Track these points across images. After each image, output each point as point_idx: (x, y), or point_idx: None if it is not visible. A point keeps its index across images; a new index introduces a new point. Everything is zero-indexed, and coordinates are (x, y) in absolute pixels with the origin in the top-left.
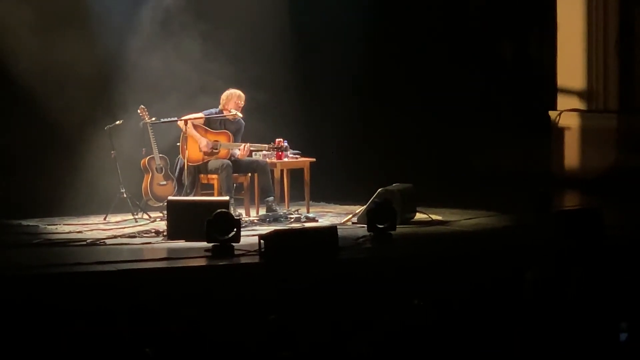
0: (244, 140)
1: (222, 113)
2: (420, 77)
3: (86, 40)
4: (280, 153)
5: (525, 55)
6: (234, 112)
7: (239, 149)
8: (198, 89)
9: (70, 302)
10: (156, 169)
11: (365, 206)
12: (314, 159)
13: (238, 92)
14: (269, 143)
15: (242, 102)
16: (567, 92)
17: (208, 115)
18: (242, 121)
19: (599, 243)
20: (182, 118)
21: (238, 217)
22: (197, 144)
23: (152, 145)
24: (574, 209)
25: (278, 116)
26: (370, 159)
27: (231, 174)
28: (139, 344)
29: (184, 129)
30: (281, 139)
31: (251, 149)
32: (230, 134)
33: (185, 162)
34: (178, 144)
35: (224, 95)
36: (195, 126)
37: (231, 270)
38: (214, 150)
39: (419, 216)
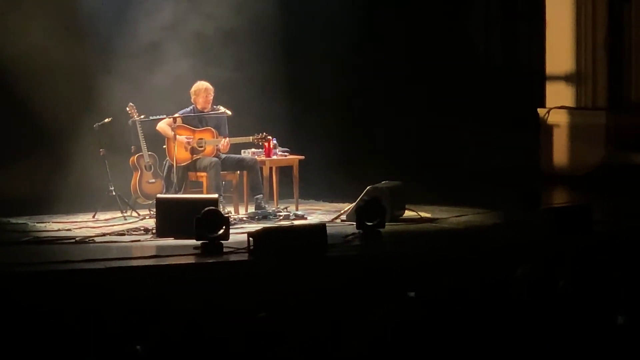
0: (231, 135)
1: (196, 109)
2: (409, 75)
3: (75, 38)
4: (267, 145)
5: (513, 52)
6: (222, 109)
7: (221, 144)
8: (186, 87)
9: (59, 300)
10: (145, 166)
11: (354, 204)
12: (302, 157)
13: (205, 85)
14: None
15: (211, 95)
16: (556, 89)
17: (183, 115)
18: (223, 115)
19: (588, 239)
20: (171, 116)
21: (227, 215)
22: (183, 145)
23: (141, 143)
24: (563, 205)
25: (267, 114)
26: (359, 156)
27: (220, 171)
28: (129, 341)
29: (164, 133)
30: (266, 133)
31: (236, 142)
32: (213, 130)
33: (174, 163)
34: (164, 146)
35: (191, 91)
36: (179, 127)
37: (220, 267)
38: (199, 148)
39: (408, 214)
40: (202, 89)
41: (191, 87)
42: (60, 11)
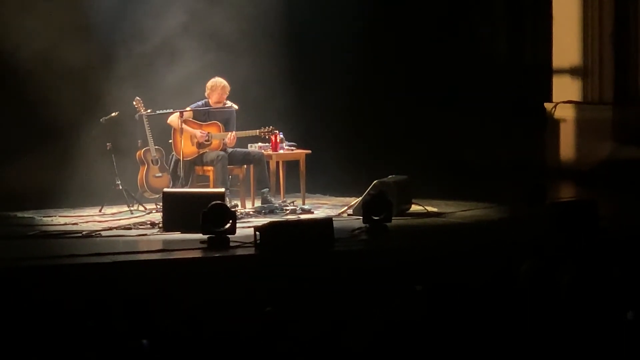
0: (239, 130)
1: (208, 103)
2: (415, 69)
3: (84, 34)
4: (273, 139)
5: (520, 46)
6: (229, 103)
7: (227, 138)
8: (192, 82)
9: (65, 294)
10: (152, 160)
11: (360, 198)
12: (309, 151)
13: (222, 83)
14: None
15: (227, 93)
16: (563, 83)
17: (196, 108)
18: (232, 110)
19: (593, 235)
20: (178, 110)
21: (233, 209)
22: (189, 139)
23: (148, 137)
24: (569, 200)
25: (274, 108)
26: (365, 150)
27: (226, 165)
28: (135, 335)
29: (176, 126)
30: (273, 127)
31: (243, 135)
32: (220, 124)
33: (181, 157)
34: (170, 141)
35: (208, 85)
36: (186, 121)
37: (227, 262)
38: (206, 142)
39: (414, 208)
40: (219, 86)
41: (202, 83)
42: (71, 8)
